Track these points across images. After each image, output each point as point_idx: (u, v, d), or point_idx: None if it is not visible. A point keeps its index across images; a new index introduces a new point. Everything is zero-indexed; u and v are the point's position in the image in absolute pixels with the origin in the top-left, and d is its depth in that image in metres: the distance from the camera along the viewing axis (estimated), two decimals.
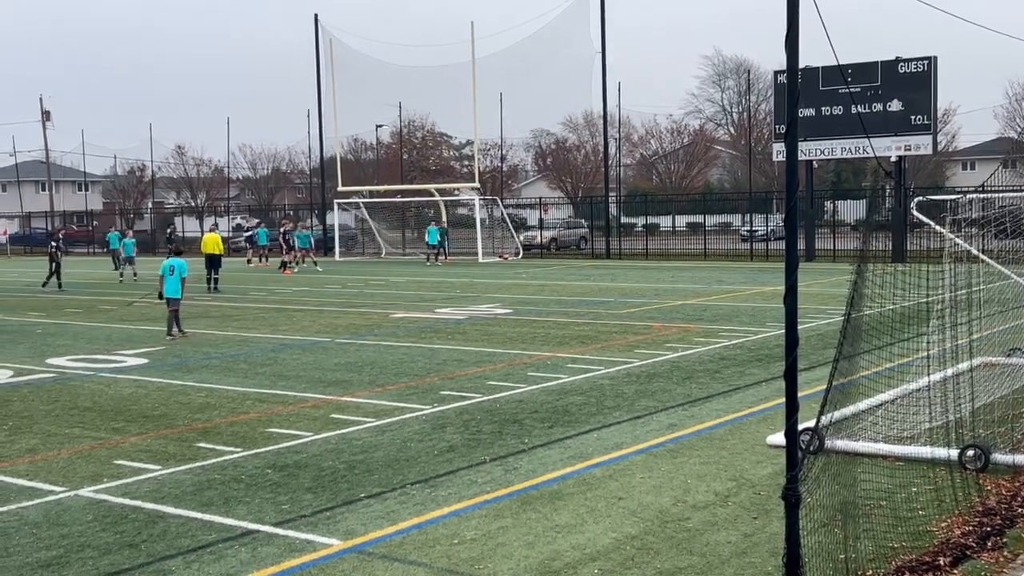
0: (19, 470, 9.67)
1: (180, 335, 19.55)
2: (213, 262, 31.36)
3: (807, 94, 38.52)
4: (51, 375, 15.32)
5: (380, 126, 79.44)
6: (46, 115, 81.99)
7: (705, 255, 46.36)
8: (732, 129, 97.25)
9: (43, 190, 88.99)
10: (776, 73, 43.08)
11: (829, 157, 43.29)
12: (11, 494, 8.84)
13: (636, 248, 50.33)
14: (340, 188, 55.03)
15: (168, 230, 49.88)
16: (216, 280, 31.19)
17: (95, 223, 78.47)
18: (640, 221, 59.57)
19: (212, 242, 32.21)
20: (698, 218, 55.75)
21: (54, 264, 33.54)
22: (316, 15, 56.41)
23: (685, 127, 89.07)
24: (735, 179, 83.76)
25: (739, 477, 8.97)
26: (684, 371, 14.52)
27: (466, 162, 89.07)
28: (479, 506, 8.24)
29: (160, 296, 20.09)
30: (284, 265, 41.37)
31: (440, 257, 46.38)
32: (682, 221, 63.12)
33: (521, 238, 53.96)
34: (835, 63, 36.24)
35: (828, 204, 54.01)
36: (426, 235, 46.50)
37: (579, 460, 9.64)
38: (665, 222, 64.33)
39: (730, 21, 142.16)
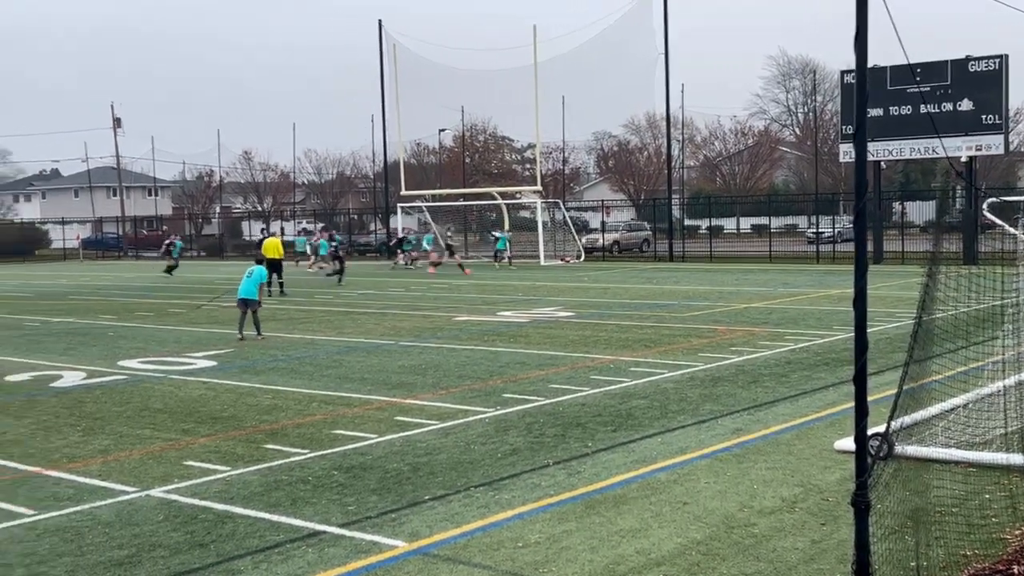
0: (92, 470, 9.88)
1: (259, 337, 19.84)
2: (274, 266, 31.76)
3: (875, 94, 37.94)
4: (123, 377, 15.63)
5: (443, 130, 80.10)
6: (117, 122, 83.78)
7: (770, 257, 45.85)
8: (797, 130, 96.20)
9: (114, 195, 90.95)
10: (843, 73, 42.49)
11: (897, 158, 42.57)
12: (84, 494, 9.04)
13: (700, 251, 49.94)
14: (403, 192, 55.41)
15: (167, 240, 51.03)
16: (281, 284, 31.60)
17: (164, 227, 79.97)
18: (704, 223, 59.15)
19: (272, 247, 32.62)
20: (763, 220, 55.27)
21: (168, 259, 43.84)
22: (380, 21, 56.95)
23: (749, 128, 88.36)
24: (800, 180, 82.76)
25: (806, 483, 8.86)
26: (750, 375, 14.38)
27: (528, 165, 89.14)
28: (543, 509, 8.23)
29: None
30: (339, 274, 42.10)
31: (501, 260, 46.45)
32: (746, 223, 62.60)
33: (583, 241, 53.85)
34: (902, 62, 35.74)
35: (896, 205, 53.13)
36: (495, 243, 46.41)
37: (643, 464, 9.59)
38: (729, 224, 63.85)
39: (795, 21, 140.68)
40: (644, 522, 7.85)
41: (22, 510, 8.55)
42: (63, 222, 78.17)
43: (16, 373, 16.22)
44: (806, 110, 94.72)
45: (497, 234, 47.61)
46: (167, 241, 48.79)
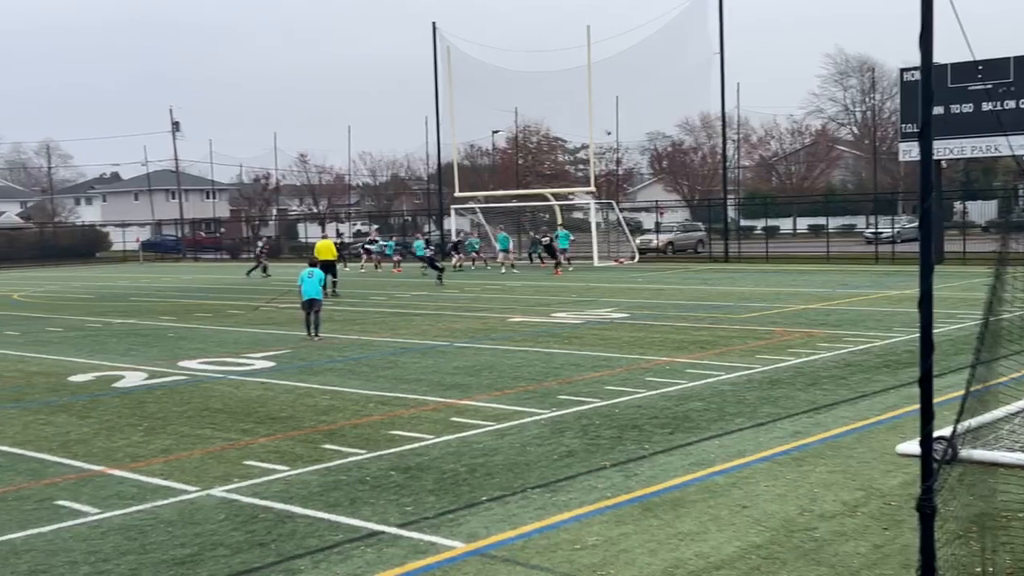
0: (154, 470, 10.03)
1: (315, 338, 20.07)
2: (327, 267, 31.99)
3: (936, 92, 37.03)
4: (183, 377, 15.86)
5: (496, 132, 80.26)
6: (175, 126, 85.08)
7: (828, 258, 45.28)
8: (855, 128, 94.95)
9: (173, 198, 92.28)
10: (902, 71, 41.84)
11: (959, 156, 41.82)
12: (147, 493, 9.18)
13: (755, 251, 49.45)
14: (457, 194, 55.59)
15: (260, 241, 51.42)
16: (335, 284, 31.85)
17: (222, 230, 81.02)
18: (759, 223, 58.63)
19: (326, 248, 32.87)
20: (820, 220, 54.60)
21: (259, 262, 45.38)
22: (434, 24, 57.17)
23: (806, 127, 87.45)
24: (859, 180, 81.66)
25: (868, 487, 8.73)
26: (808, 377, 14.21)
27: (581, 166, 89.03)
28: (600, 511, 8.21)
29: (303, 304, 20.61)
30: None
31: (560, 261, 46.12)
32: (803, 223, 61.92)
33: (637, 242, 53.61)
34: (962, 60, 35.06)
35: (957, 205, 52.21)
36: (557, 241, 45.83)
37: (701, 467, 9.52)
38: (785, 224, 63.21)
39: (852, 18, 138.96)
40: (703, 525, 7.79)
41: (87, 508, 8.70)
42: (123, 225, 79.55)
43: (80, 374, 16.52)
44: (864, 108, 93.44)
45: (562, 232, 46.57)
46: (261, 244, 49.82)
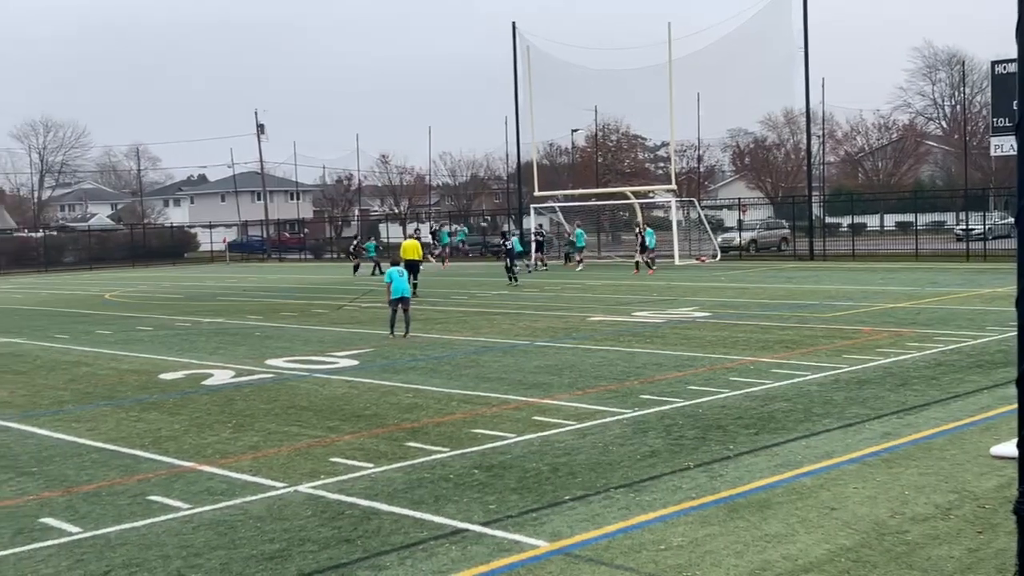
0: (243, 466, 10.21)
1: (404, 336, 20.30)
2: (412, 267, 32.24)
3: None
4: (270, 375, 16.13)
5: (575, 130, 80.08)
6: (260, 128, 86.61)
7: (916, 256, 44.32)
8: (944, 123, 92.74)
9: (258, 199, 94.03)
10: (994, 63, 40.67)
11: None
12: (236, 489, 9.36)
13: (841, 249, 48.62)
14: (536, 193, 55.64)
15: (354, 241, 51.94)
16: (415, 285, 32.05)
17: (306, 230, 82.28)
18: (845, 221, 57.57)
19: (411, 248, 33.17)
20: (908, 217, 53.42)
21: (357, 260, 47.59)
22: (514, 23, 57.28)
23: (893, 122, 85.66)
24: (948, 175, 79.68)
25: (961, 489, 8.51)
26: (898, 377, 13.91)
27: (661, 164, 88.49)
28: (685, 512, 8.13)
29: (390, 301, 20.85)
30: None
31: (649, 261, 45.73)
32: (890, 220, 60.59)
33: (719, 240, 53.07)
34: None
35: None
36: (646, 239, 45.33)
37: (788, 468, 9.38)
38: (872, 222, 61.96)
39: (941, 11, 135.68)
40: (790, 527, 7.67)
41: (178, 504, 8.90)
42: (210, 226, 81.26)
43: (170, 371, 16.91)
44: (953, 103, 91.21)
45: (648, 230, 45.80)
46: (357, 245, 51.16)
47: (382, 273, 48.44)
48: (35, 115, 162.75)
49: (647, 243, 42.64)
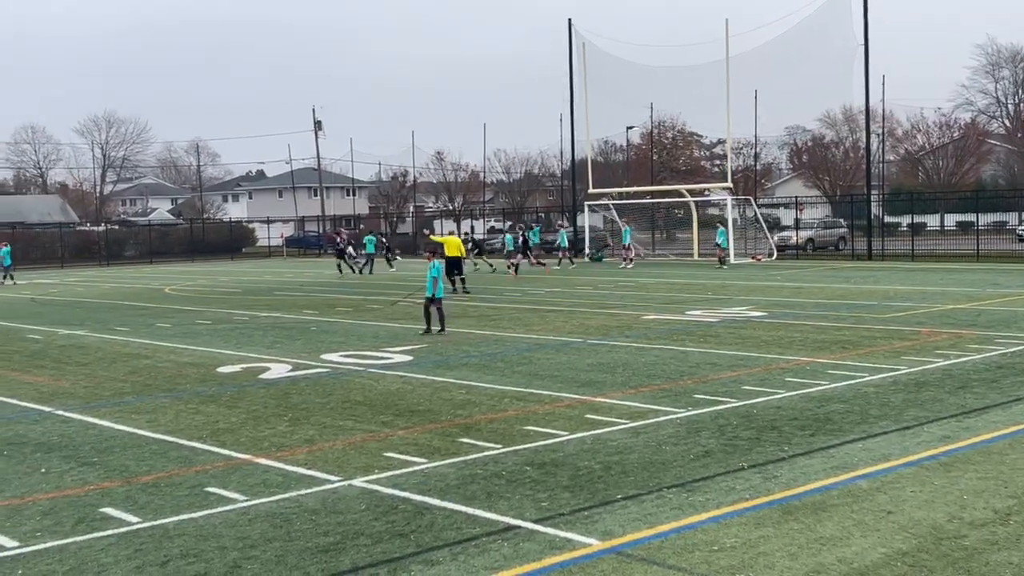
0: (298, 459, 10.33)
1: (442, 332, 20.37)
2: (454, 264, 32.29)
3: None
4: (325, 370, 16.29)
5: (630, 127, 79.68)
6: (318, 125, 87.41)
7: (977, 256, 43.54)
8: (1007, 122, 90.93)
9: (315, 195, 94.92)
10: None
11: None
12: (292, 482, 9.47)
13: (900, 249, 47.91)
14: (590, 190, 55.52)
15: (337, 238, 50.52)
16: (463, 280, 32.06)
17: (361, 226, 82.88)
18: (905, 220, 56.68)
19: (454, 245, 33.28)
20: (969, 217, 52.51)
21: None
22: (569, 20, 57.23)
23: (955, 120, 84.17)
24: (1010, 175, 78.14)
25: (1021, 494, 8.36)
26: (957, 380, 13.69)
27: (717, 161, 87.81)
28: (738, 513, 8.08)
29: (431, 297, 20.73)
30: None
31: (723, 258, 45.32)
32: (951, 220, 59.52)
33: (775, 239, 52.55)
34: None
35: None
36: (717, 236, 44.36)
37: (843, 471, 9.27)
38: (932, 221, 61.00)
39: (1005, 7, 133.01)
40: (846, 530, 7.59)
41: (235, 495, 9.03)
42: (268, 221, 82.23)
43: (228, 365, 17.15)
44: (1017, 100, 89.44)
45: (720, 228, 45.13)
46: (339, 242, 48.63)
47: (391, 259, 48.47)
48: (98, 111, 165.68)
49: (718, 240, 42.85)
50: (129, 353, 19.23)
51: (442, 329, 20.55)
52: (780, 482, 8.95)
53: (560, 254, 48.46)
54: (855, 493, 8.55)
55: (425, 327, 20.73)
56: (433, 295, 20.59)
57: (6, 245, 47.53)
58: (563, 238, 48.76)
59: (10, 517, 8.60)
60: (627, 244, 46.85)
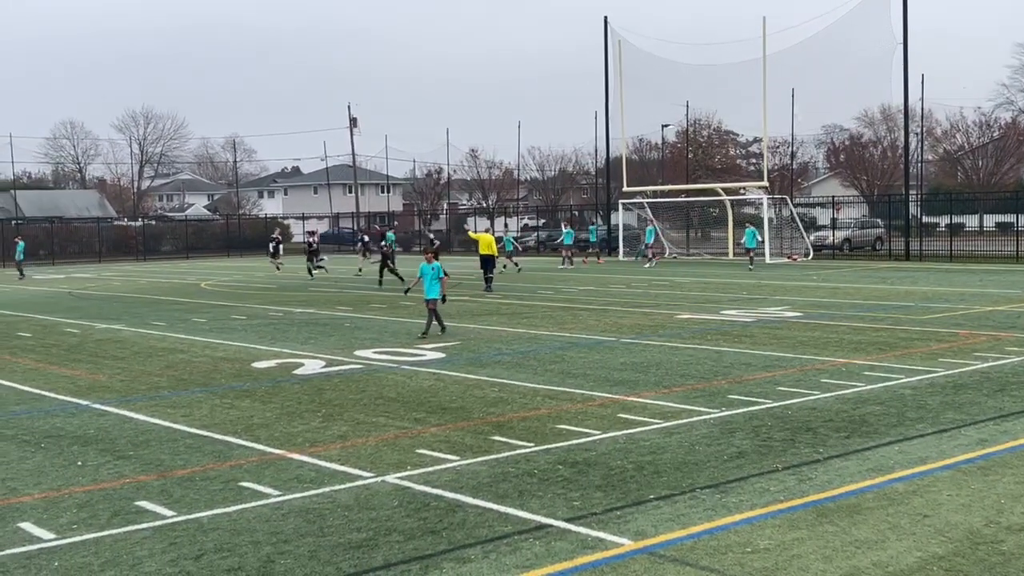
0: (332, 455, 10.38)
1: (438, 332, 19.93)
2: (486, 262, 32.34)
3: None
4: (359, 366, 16.35)
5: (666, 126, 79.41)
6: (353, 122, 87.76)
7: (1017, 257, 43.00)
8: None
9: (349, 192, 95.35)
10: None
11: None
12: (325, 477, 9.51)
13: (938, 250, 47.42)
14: (625, 188, 55.36)
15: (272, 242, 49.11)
16: (489, 279, 31.99)
17: (395, 223, 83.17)
18: (943, 221, 56.04)
19: (486, 243, 33.30)
20: (1009, 218, 51.87)
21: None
22: (605, 18, 57.09)
23: (995, 120, 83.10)
24: None
25: None
26: (996, 383, 13.51)
27: (753, 160, 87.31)
28: (772, 515, 8.02)
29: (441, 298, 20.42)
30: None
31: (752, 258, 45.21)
32: (990, 221, 58.77)
33: (811, 238, 52.17)
34: None
35: None
36: (744, 238, 43.49)
37: (879, 473, 9.18)
38: (971, 222, 60.28)
39: None
40: (881, 534, 7.51)
41: (269, 490, 9.08)
42: (303, 217, 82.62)
43: (262, 360, 17.26)
44: None
45: (749, 229, 44.41)
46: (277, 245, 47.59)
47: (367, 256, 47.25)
48: (136, 107, 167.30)
49: (745, 243, 42.19)
50: (165, 347, 19.40)
51: (430, 331, 19.93)
52: (815, 484, 8.87)
53: (564, 252, 47.83)
54: (891, 496, 8.46)
55: (425, 329, 20.04)
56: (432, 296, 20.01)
57: (21, 240, 48.21)
58: (568, 237, 48.51)
59: (47, 509, 8.70)
60: (650, 243, 46.72)
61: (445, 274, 20.43)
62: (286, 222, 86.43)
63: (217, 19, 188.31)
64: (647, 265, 44.88)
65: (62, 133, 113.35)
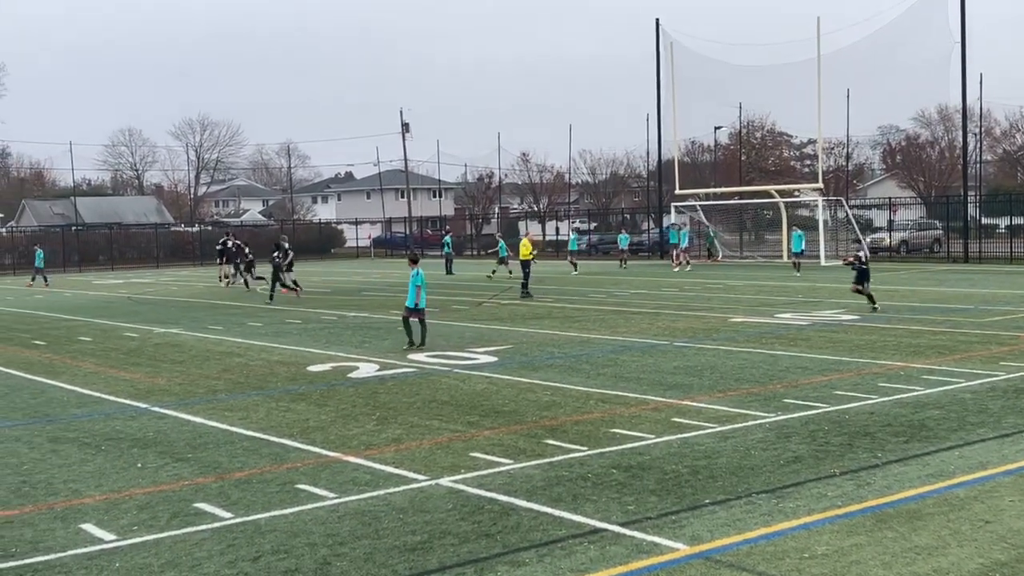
0: (386, 458, 10.44)
1: (420, 344, 19.11)
2: (525, 266, 32.32)
3: None
4: (412, 370, 16.42)
5: (718, 128, 78.83)
6: (405, 127, 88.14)
7: None
8: None
9: (402, 197, 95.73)
10: None
11: None
12: (380, 480, 9.57)
13: (998, 251, 46.56)
14: (677, 191, 55.05)
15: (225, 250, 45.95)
16: (525, 285, 31.69)
17: (447, 227, 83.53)
18: (1003, 222, 55.03)
19: (523, 247, 33.26)
20: None
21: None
22: (657, 20, 56.85)
23: None
24: None
25: None
26: None
27: (807, 162, 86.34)
28: (830, 520, 7.92)
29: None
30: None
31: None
32: None
33: (868, 240, 51.42)
34: None
35: None
36: (791, 242, 42.50)
37: (939, 478, 9.03)
38: None
39: None
40: (941, 540, 7.39)
41: (325, 493, 9.16)
42: (356, 222, 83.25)
43: (318, 364, 17.40)
44: None
45: (796, 233, 43.38)
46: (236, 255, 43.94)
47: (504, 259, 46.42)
48: (193, 114, 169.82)
49: (792, 247, 41.41)
50: (222, 351, 19.65)
51: (423, 343, 19.13)
52: (873, 489, 8.75)
53: (570, 257, 47.43)
54: (951, 501, 8.32)
55: (408, 341, 19.20)
56: (416, 305, 19.23)
57: (40, 248, 48.96)
58: (573, 243, 48.14)
59: (108, 511, 8.85)
60: (685, 247, 46.26)
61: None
62: (339, 227, 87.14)
63: (270, 26, 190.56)
64: (678, 268, 44.51)
65: (120, 140, 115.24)
